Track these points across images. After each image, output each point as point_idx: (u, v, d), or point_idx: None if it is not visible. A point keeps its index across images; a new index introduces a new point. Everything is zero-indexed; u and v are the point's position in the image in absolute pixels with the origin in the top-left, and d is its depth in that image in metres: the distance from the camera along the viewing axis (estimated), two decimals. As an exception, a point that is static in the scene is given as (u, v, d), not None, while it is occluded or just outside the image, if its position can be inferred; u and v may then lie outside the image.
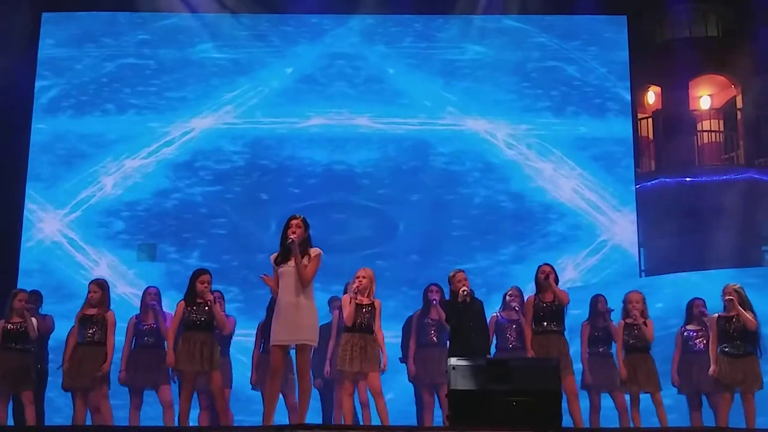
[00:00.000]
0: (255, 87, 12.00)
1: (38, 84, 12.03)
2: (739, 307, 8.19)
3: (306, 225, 7.09)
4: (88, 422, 8.15)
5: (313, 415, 8.93)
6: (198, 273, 8.02)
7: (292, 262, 6.95)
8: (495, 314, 8.67)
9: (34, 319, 8.38)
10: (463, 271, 8.28)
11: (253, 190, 11.87)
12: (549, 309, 8.36)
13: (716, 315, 8.36)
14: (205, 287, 7.86)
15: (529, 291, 8.71)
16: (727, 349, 8.17)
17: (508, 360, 6.90)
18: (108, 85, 11.99)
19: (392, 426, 7.50)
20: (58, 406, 9.29)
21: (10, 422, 8.47)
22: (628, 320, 8.42)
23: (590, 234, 12.05)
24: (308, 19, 12.38)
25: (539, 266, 8.61)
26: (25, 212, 11.53)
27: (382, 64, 12.15)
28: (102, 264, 11.59)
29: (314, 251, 7.03)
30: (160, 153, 11.71)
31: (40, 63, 12.16)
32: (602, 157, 12.38)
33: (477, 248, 11.84)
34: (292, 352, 7.21)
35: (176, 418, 7.96)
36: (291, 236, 6.94)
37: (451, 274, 8.28)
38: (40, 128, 11.83)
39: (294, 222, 7.06)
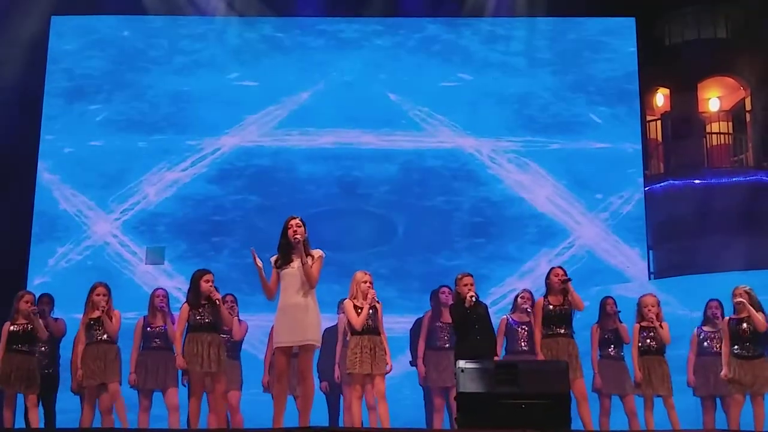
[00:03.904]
0: (276, 109, 13.00)
1: (91, 106, 12.89)
2: (750, 309, 8.12)
3: (304, 224, 7.01)
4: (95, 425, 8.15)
5: (320, 418, 8.98)
6: (201, 273, 7.82)
7: (294, 264, 6.89)
8: (506, 316, 8.60)
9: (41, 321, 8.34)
10: (471, 276, 8.13)
11: (274, 199, 12.60)
12: (557, 312, 8.23)
13: (727, 318, 8.32)
14: (211, 286, 7.72)
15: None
16: (738, 351, 8.11)
17: (517, 363, 6.89)
18: (146, 104, 12.99)
19: (399, 428, 7.51)
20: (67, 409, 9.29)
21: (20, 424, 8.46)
22: (644, 323, 8.32)
23: (563, 236, 12.43)
24: (319, 48, 13.18)
25: (552, 269, 8.43)
26: (81, 218, 12.62)
27: (385, 89, 13.00)
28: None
29: (317, 252, 6.95)
30: (195, 167, 12.84)
31: (78, 76, 12.93)
32: (601, 161, 12.58)
33: (463, 248, 12.47)
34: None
35: (186, 420, 7.95)
36: (296, 237, 6.88)
37: (459, 276, 8.13)
38: (95, 145, 12.83)
39: (294, 222, 6.96)
